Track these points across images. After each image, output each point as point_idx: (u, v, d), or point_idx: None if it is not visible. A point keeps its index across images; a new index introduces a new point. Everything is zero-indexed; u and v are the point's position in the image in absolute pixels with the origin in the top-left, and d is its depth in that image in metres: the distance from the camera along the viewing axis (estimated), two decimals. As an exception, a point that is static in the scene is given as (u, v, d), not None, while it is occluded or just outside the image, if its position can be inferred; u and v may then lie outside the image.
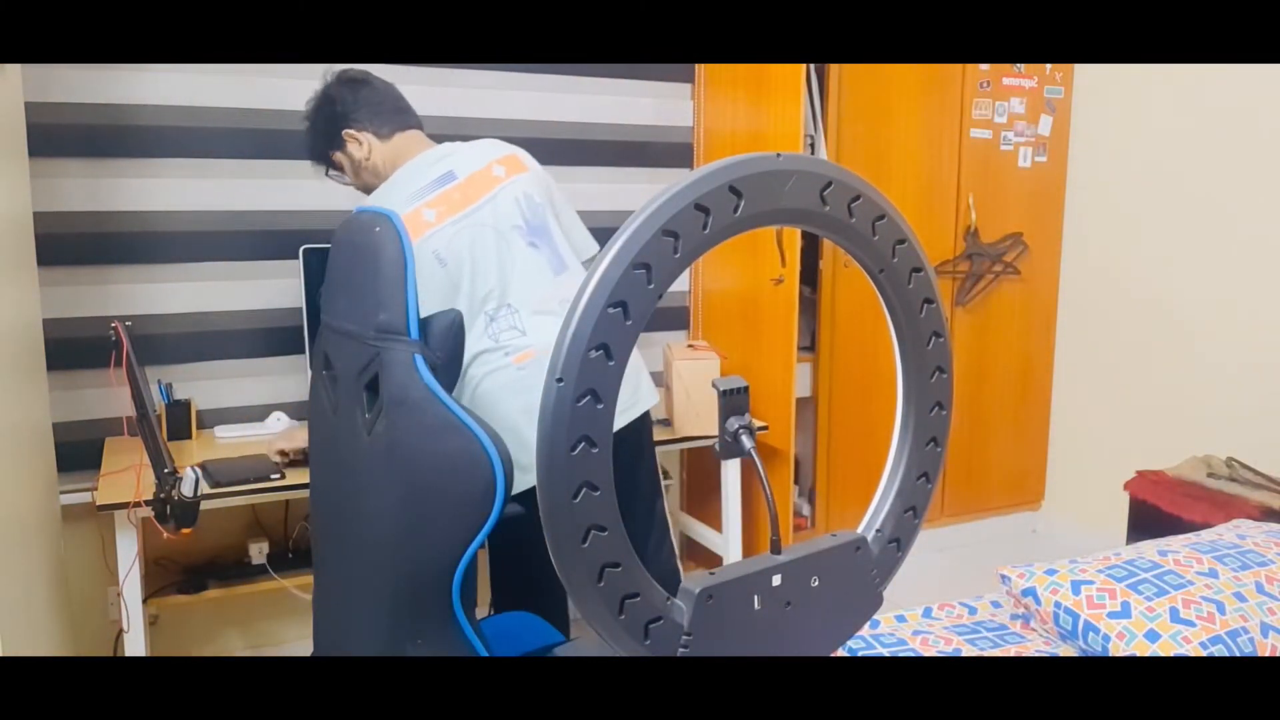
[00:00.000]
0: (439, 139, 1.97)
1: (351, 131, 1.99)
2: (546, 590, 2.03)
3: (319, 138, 2.04)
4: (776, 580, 0.93)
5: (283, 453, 2.21)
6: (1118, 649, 1.59)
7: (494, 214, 1.89)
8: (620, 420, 1.98)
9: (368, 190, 2.03)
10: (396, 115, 2.02)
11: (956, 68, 3.29)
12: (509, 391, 1.82)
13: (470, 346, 1.77)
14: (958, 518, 3.58)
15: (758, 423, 2.77)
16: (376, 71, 2.03)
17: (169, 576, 2.49)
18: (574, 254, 2.00)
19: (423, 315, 1.47)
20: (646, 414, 2.03)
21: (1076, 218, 3.55)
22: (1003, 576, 1.83)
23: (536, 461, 0.80)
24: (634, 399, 1.98)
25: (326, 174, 2.10)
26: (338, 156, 2.04)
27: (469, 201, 1.88)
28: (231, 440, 2.45)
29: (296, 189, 2.60)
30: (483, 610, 1.87)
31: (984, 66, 3.34)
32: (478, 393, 1.83)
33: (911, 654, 1.74)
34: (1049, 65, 3.46)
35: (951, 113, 3.31)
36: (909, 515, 1.04)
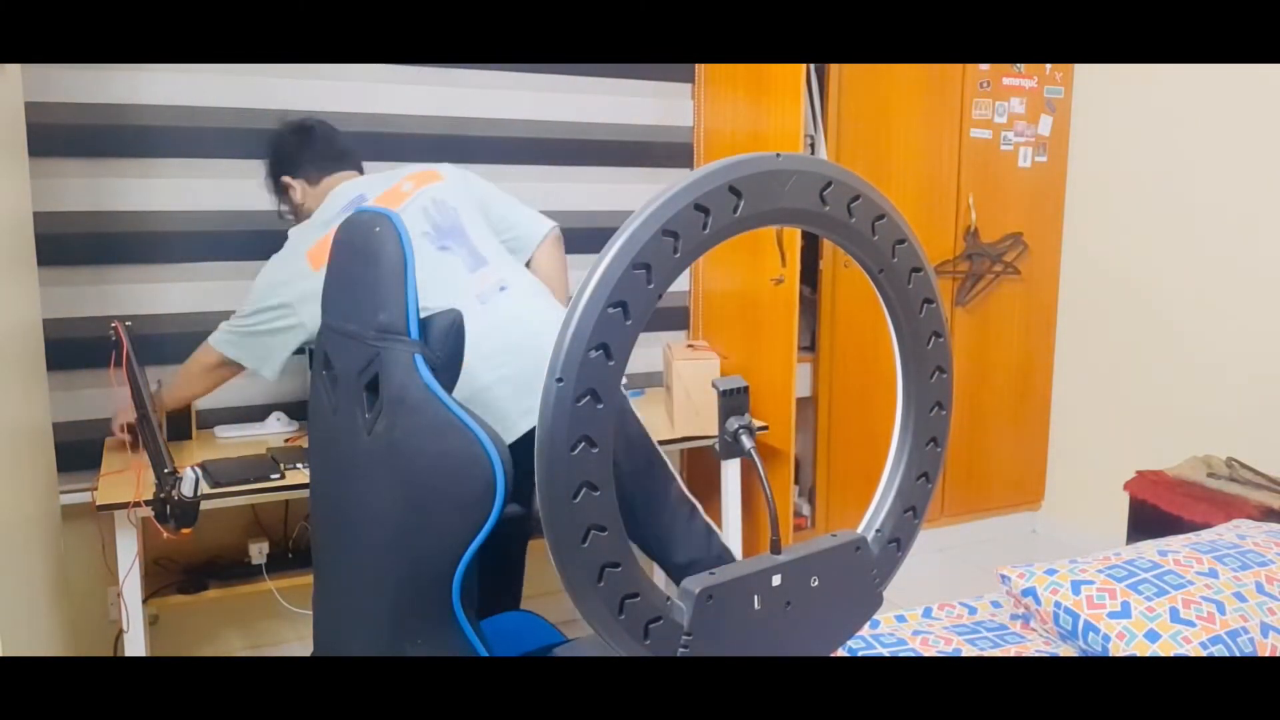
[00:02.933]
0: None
1: (287, 179, 2.20)
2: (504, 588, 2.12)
3: (270, 182, 2.26)
4: (776, 580, 0.93)
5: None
6: (1118, 649, 1.59)
7: None
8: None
9: None
10: (330, 162, 2.19)
11: (956, 68, 3.28)
12: None
13: None
14: (958, 518, 3.58)
15: (758, 423, 2.77)
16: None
17: (169, 576, 2.48)
18: (498, 249, 2.05)
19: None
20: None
21: (1076, 218, 3.55)
22: (1003, 576, 1.83)
23: (536, 461, 0.80)
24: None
25: (280, 216, 2.30)
26: (285, 199, 2.25)
27: None
28: (231, 440, 2.45)
29: (296, 189, 2.59)
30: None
31: (984, 66, 3.34)
32: None
33: (911, 654, 1.74)
34: (1049, 65, 3.46)
35: (951, 113, 3.31)
36: (909, 515, 1.04)
